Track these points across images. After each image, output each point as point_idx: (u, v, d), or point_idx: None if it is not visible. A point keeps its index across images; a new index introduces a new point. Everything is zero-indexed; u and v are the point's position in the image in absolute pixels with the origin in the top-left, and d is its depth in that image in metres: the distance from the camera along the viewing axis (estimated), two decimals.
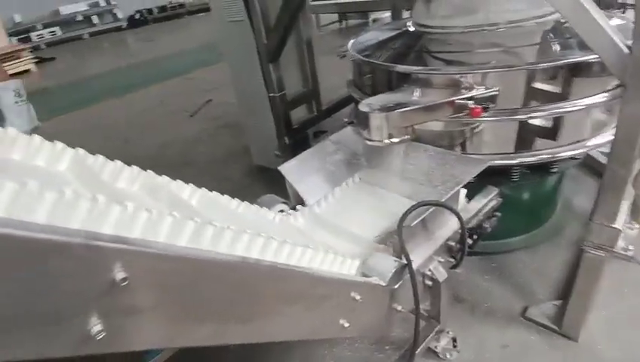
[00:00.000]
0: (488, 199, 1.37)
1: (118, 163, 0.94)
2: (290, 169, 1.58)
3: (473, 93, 1.36)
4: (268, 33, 1.72)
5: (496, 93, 1.37)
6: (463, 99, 1.36)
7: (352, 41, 2.01)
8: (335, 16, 8.23)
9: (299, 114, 2.45)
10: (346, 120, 2.06)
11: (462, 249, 1.24)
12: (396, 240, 1.10)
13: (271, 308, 0.78)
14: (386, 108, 1.32)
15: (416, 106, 1.32)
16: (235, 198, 1.30)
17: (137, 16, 12.05)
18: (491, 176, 1.39)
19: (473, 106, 1.34)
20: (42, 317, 0.49)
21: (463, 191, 1.36)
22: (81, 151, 0.88)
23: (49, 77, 7.85)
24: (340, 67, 4.66)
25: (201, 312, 0.64)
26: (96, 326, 0.51)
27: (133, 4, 11.94)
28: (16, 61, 8.02)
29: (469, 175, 1.24)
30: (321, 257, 0.96)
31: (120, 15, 11.81)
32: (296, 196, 1.59)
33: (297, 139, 2.07)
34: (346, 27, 8.45)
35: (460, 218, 1.16)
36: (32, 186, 0.50)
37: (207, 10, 13.02)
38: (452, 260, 1.28)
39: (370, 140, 1.37)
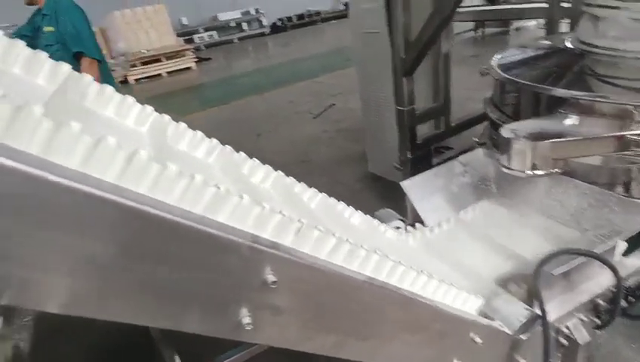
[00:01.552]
0: None
1: (256, 161, 1.05)
2: (411, 186, 1.55)
3: None
4: (407, 47, 1.72)
5: None
6: (637, 135, 1.14)
7: (496, 56, 1.87)
8: (470, 24, 7.70)
9: (423, 128, 2.39)
10: (477, 140, 1.92)
11: (613, 310, 1.05)
12: (525, 285, 0.99)
13: (388, 332, 0.78)
14: (535, 136, 1.19)
15: (574, 138, 1.16)
16: (350, 206, 1.32)
17: (279, 23, 13.29)
18: None
19: None
20: (207, 300, 0.58)
21: (622, 244, 1.14)
22: (228, 148, 1.00)
23: (205, 74, 9.21)
24: (470, 79, 4.39)
25: (329, 322, 0.68)
26: (246, 318, 0.58)
27: (276, 12, 13.20)
28: (182, 58, 9.63)
29: (637, 225, 1.04)
30: (434, 286, 0.92)
31: (265, 22, 13.18)
32: (414, 214, 1.55)
33: (419, 154, 2.02)
34: (482, 36, 7.87)
35: (617, 275, 0.98)
36: (198, 180, 0.58)
37: (339, 17, 13.71)
38: (597, 320, 1.09)
39: (508, 168, 1.26)
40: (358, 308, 0.72)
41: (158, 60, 9.23)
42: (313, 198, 1.16)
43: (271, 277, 0.58)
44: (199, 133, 0.97)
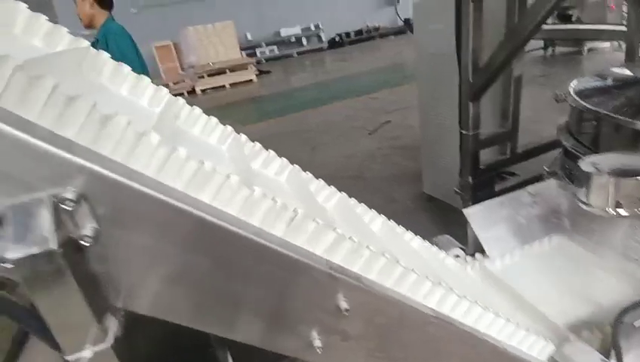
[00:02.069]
0: None
1: (321, 181, 1.08)
2: (475, 213, 1.49)
3: None
4: (475, 71, 1.68)
5: None
6: None
7: (573, 82, 1.76)
8: (540, 42, 7.32)
9: (486, 151, 2.30)
10: (547, 169, 1.82)
11: None
12: (600, 333, 0.91)
13: None
14: (619, 173, 1.11)
15: None
16: (409, 231, 1.31)
17: (337, 38, 13.56)
18: None
19: None
20: (283, 320, 0.61)
21: None
22: (296, 167, 1.04)
23: (265, 87, 9.63)
24: (538, 100, 4.15)
25: (393, 352, 0.68)
26: (316, 340, 0.61)
27: (335, 28, 13.50)
28: (245, 71, 10.16)
29: None
30: (500, 325, 0.88)
31: (323, 38, 13.52)
32: (476, 244, 1.50)
33: (482, 180, 1.94)
34: (553, 55, 7.44)
35: None
36: (280, 203, 0.62)
37: (398, 33, 13.65)
38: None
39: (586, 205, 1.18)
40: (422, 340, 0.71)
41: (223, 72, 9.82)
42: (375, 220, 1.17)
43: (344, 304, 0.60)
44: (272, 153, 1.03)
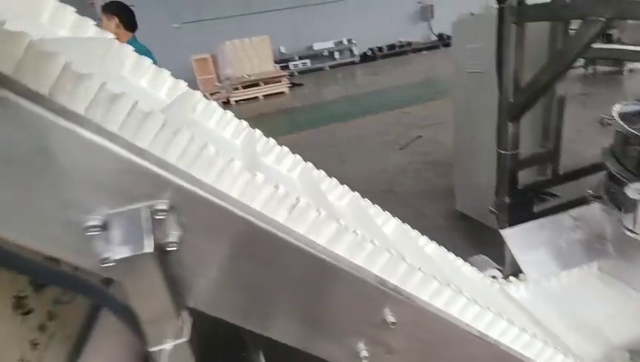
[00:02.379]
0: None
1: (334, 180, 1.08)
2: (513, 235, 1.48)
3: None
4: (516, 91, 1.68)
5: None
6: None
7: (617, 106, 1.73)
8: (580, 60, 7.11)
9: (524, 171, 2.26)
10: (591, 192, 1.77)
11: None
12: None
13: None
14: None
15: None
16: (451, 252, 1.31)
17: (369, 53, 13.68)
18: None
19: None
20: (334, 329, 0.65)
21: None
22: (310, 164, 1.06)
23: (297, 99, 9.83)
24: (579, 119, 4.01)
25: None
26: (363, 351, 0.64)
27: (368, 42, 13.65)
28: (278, 84, 10.43)
29: None
30: (549, 354, 0.88)
31: (356, 52, 13.68)
32: (513, 265, 1.48)
33: (519, 200, 1.92)
34: (594, 73, 7.19)
35: None
36: (343, 224, 0.66)
37: (431, 48, 13.59)
38: None
39: (633, 232, 1.15)
40: (463, 358, 0.73)
41: (257, 85, 10.12)
42: (388, 222, 1.16)
43: (391, 318, 0.64)
44: (285, 149, 1.04)
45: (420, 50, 13.70)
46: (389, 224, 1.16)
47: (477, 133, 2.56)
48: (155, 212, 0.51)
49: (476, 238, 2.90)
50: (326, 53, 13.50)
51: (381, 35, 13.71)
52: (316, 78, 12.20)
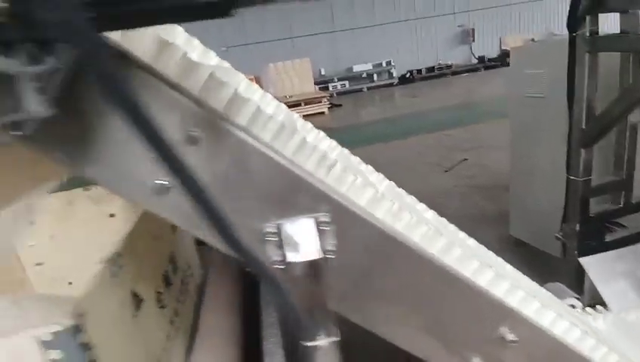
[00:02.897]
0: None
1: (370, 166, 1.12)
2: (592, 264, 1.47)
3: None
4: (589, 119, 1.68)
5: None
6: None
7: None
8: None
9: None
10: None
11: None
12: None
13: None
14: None
15: None
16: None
17: (407, 75, 13.78)
18: None
19: None
20: (454, 342, 0.70)
21: None
22: (346, 150, 1.09)
23: (335, 119, 10.01)
24: None
25: None
26: None
27: (406, 65, 13.78)
28: (318, 105, 10.69)
29: None
30: None
31: (394, 74, 13.83)
32: (591, 294, 1.46)
33: (590, 229, 1.87)
34: None
35: None
36: (459, 251, 0.72)
37: (471, 71, 13.49)
38: None
39: None
40: None
41: (298, 105, 10.43)
42: (427, 212, 1.19)
43: (510, 336, 0.67)
44: (322, 133, 1.09)
45: (459, 72, 13.65)
46: (428, 214, 1.18)
47: (536, 158, 2.54)
48: (319, 223, 0.59)
49: (534, 265, 2.81)
50: (365, 75, 13.73)
51: (421, 57, 13.83)
52: (354, 99, 12.38)
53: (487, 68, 13.38)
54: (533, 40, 2.90)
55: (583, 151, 1.70)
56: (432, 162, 5.62)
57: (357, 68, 13.59)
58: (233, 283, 1.34)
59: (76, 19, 0.30)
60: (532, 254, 2.87)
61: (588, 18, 1.68)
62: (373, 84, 13.68)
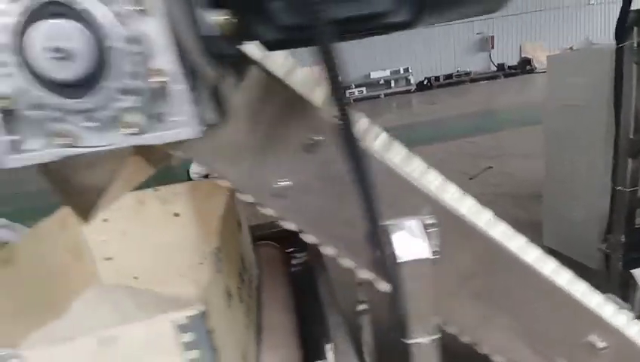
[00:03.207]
0: None
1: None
2: None
3: None
4: (637, 129, 1.69)
5: None
6: None
7: None
8: None
9: None
10: None
11: None
12: None
13: None
14: None
15: None
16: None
17: (425, 82, 13.75)
18: None
19: None
20: (540, 347, 0.72)
21: None
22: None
23: None
24: None
25: None
26: None
27: (424, 72, 13.77)
28: None
29: None
30: None
31: (412, 81, 13.82)
32: None
33: (635, 240, 1.86)
34: None
35: None
36: (524, 240, 0.74)
37: (490, 78, 13.37)
38: None
39: None
40: None
41: None
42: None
43: (600, 344, 0.69)
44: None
45: (478, 80, 13.56)
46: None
47: (573, 167, 2.52)
48: (426, 226, 0.63)
49: None
50: (382, 81, 13.76)
51: (439, 64, 13.80)
52: (371, 105, 12.40)
53: (506, 75, 13.26)
54: (571, 48, 2.89)
55: (630, 161, 1.70)
56: (456, 169, 5.58)
57: (374, 75, 13.63)
58: (286, 283, 1.38)
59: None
60: (567, 265, 2.83)
61: (636, 29, 1.69)
62: (390, 91, 13.69)
